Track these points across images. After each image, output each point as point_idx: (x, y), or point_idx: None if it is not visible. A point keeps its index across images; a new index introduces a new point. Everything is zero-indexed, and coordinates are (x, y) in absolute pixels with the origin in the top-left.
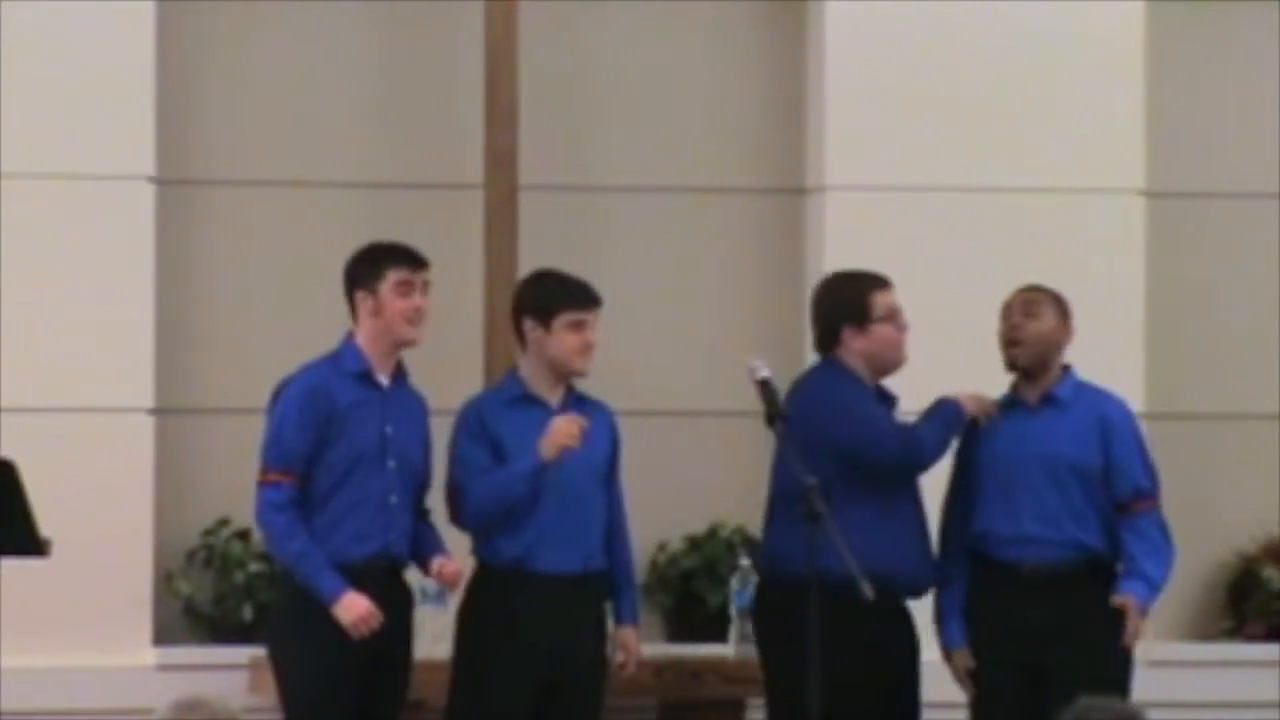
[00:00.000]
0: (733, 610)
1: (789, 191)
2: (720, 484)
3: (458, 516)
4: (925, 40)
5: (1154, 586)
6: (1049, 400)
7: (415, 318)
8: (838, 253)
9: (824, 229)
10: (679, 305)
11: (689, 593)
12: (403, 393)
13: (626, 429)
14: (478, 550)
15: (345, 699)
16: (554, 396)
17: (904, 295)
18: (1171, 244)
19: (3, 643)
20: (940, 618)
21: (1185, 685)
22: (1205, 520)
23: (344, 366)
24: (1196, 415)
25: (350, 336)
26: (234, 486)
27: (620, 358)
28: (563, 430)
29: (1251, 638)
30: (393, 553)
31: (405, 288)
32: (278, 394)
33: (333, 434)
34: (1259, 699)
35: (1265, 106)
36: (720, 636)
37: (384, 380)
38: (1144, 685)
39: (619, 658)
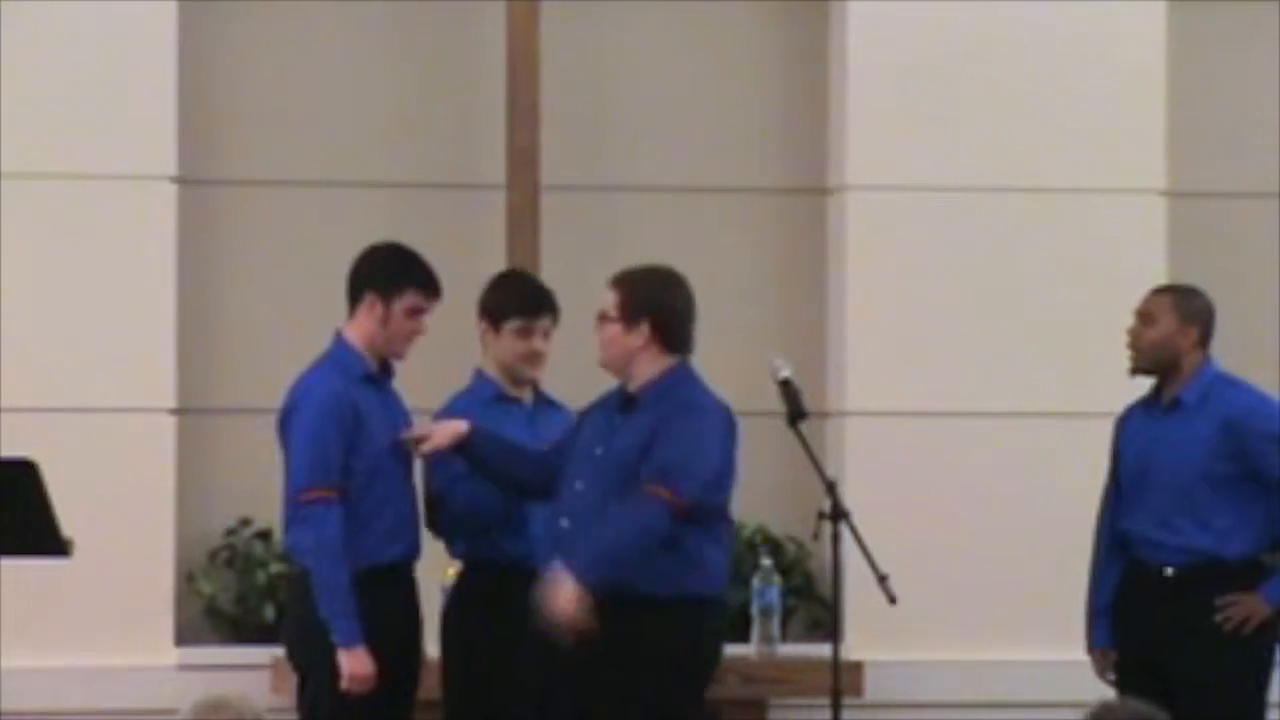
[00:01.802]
0: (754, 610)
1: (811, 191)
2: (742, 484)
3: (435, 521)
4: (946, 40)
5: None
6: (1176, 403)
7: (413, 340)
8: (859, 253)
9: (846, 228)
10: (700, 305)
11: None
12: (391, 389)
13: None
14: (473, 551)
15: (365, 698)
16: (525, 397)
17: (923, 294)
18: (1192, 244)
19: (25, 642)
20: (1089, 616)
21: None
22: None
23: (351, 371)
24: None
25: (341, 336)
26: (256, 486)
27: None
28: None
29: None
30: (414, 550)
31: (416, 312)
32: (290, 409)
33: (358, 440)
34: (1272, 699)
35: None
36: (742, 636)
37: (379, 378)
38: None
39: None
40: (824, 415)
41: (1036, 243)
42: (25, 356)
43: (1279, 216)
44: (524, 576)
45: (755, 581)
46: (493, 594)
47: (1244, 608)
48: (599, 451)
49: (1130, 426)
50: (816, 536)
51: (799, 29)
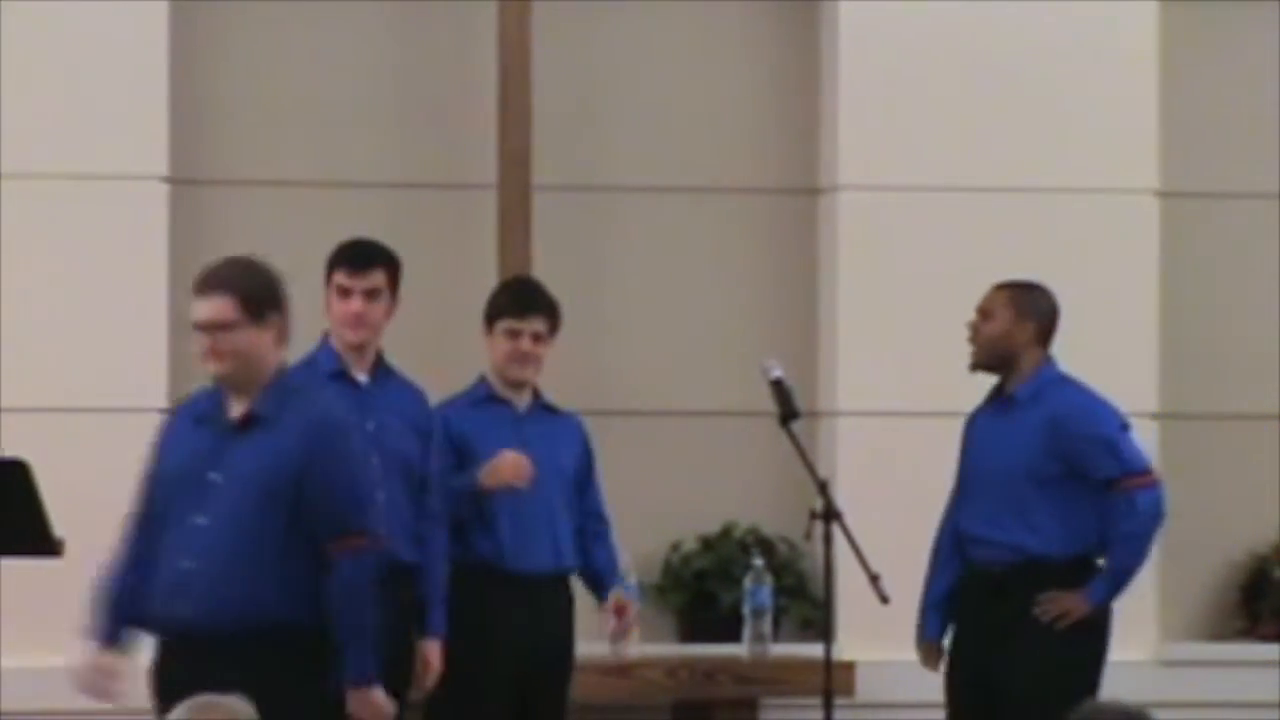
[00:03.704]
0: (746, 610)
1: (802, 191)
2: (733, 484)
3: None
4: (938, 40)
5: (1111, 579)
6: (1010, 401)
7: (352, 322)
8: (851, 253)
9: (837, 229)
10: (692, 305)
11: (702, 593)
12: (386, 387)
13: (639, 429)
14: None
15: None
16: (519, 400)
17: (916, 294)
18: (1185, 244)
19: (16, 642)
20: (921, 610)
21: (1198, 685)
22: (1219, 520)
23: (319, 370)
24: (1210, 415)
25: (325, 336)
26: None
27: (633, 358)
28: (509, 470)
29: (1264, 637)
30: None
31: (343, 292)
32: None
33: None
34: (1271, 699)
35: (1278, 107)
36: (734, 636)
37: (361, 377)
38: (1156, 685)
39: (611, 624)
40: (816, 415)
41: (1029, 243)
42: (17, 356)
43: (1272, 216)
44: (496, 576)
45: (747, 581)
46: (464, 594)
47: (1060, 603)
48: (215, 478)
49: (975, 425)
50: (808, 536)
51: (791, 29)
